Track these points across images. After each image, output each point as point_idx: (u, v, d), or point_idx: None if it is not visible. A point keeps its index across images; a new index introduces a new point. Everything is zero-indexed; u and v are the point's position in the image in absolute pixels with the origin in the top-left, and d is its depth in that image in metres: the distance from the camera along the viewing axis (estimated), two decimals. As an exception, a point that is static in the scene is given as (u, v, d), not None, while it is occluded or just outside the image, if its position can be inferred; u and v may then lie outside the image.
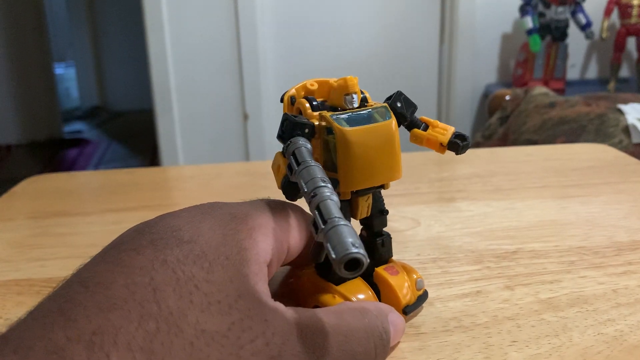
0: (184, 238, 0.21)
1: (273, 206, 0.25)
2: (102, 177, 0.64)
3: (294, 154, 0.24)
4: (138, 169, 0.60)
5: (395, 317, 0.25)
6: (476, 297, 0.30)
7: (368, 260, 0.18)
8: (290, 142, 0.24)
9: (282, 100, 0.27)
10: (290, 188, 0.25)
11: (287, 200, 0.26)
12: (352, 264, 0.18)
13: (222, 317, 0.19)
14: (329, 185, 0.21)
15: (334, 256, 0.18)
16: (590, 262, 0.34)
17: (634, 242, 0.37)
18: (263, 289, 0.21)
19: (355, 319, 0.23)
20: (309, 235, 0.26)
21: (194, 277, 0.20)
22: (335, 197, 0.21)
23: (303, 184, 0.22)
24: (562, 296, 0.30)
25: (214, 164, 0.63)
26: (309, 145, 0.24)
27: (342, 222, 0.19)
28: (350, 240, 0.18)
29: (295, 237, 0.25)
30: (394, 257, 0.30)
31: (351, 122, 0.25)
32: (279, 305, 0.21)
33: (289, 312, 0.21)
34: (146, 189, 0.53)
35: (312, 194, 0.21)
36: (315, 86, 0.27)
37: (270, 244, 0.23)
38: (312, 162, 0.23)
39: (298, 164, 0.23)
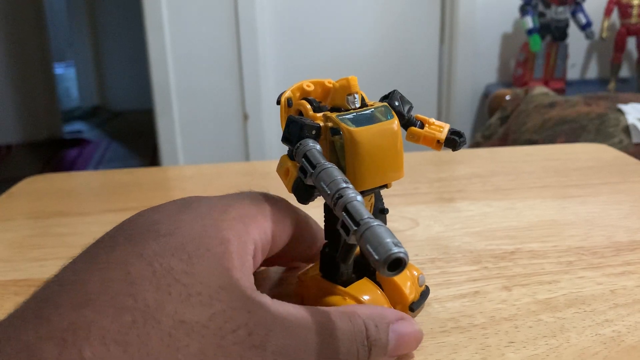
0: (161, 231, 0.21)
1: (255, 197, 0.25)
2: (102, 177, 0.64)
3: (305, 157, 0.23)
4: (138, 169, 0.60)
5: (403, 326, 0.24)
6: (474, 298, 0.30)
7: (408, 258, 0.18)
8: (300, 144, 0.24)
9: (278, 103, 0.27)
10: (303, 191, 0.24)
11: (274, 195, 0.26)
12: (395, 264, 0.18)
13: (202, 308, 0.19)
14: (351, 186, 0.21)
15: (376, 257, 0.18)
16: (588, 262, 0.34)
17: (633, 242, 0.37)
18: (247, 282, 0.21)
19: (342, 321, 0.22)
20: (295, 225, 0.26)
21: (172, 269, 0.20)
22: (360, 197, 0.20)
23: (324, 186, 0.21)
24: (560, 297, 0.30)
25: (214, 164, 0.63)
26: (319, 147, 0.24)
27: (376, 223, 0.19)
28: (390, 240, 0.18)
29: (279, 226, 0.25)
30: None
31: (356, 122, 0.25)
32: (265, 297, 0.21)
33: (275, 304, 0.21)
34: (146, 189, 0.53)
35: (336, 195, 0.21)
36: (312, 87, 0.27)
37: (253, 233, 0.23)
38: (328, 164, 0.22)
39: (313, 166, 0.22)
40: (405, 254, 0.18)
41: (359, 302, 0.26)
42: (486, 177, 0.51)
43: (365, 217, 0.19)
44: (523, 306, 0.29)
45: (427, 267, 0.34)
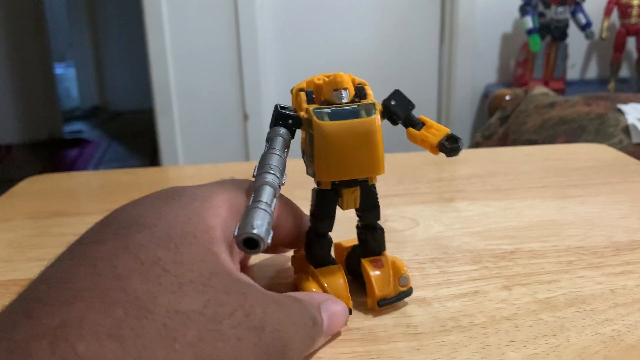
0: (145, 223, 0.21)
1: (238, 184, 0.26)
2: (102, 177, 0.64)
3: (269, 141, 0.26)
4: (138, 169, 0.60)
5: (331, 306, 0.25)
6: (474, 297, 0.30)
7: (267, 243, 0.20)
8: (271, 130, 0.27)
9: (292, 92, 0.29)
10: None
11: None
12: (248, 243, 0.20)
13: (196, 296, 0.19)
14: (274, 173, 0.23)
15: (235, 233, 0.20)
16: (588, 262, 0.34)
17: (633, 242, 0.37)
18: (235, 267, 0.22)
19: (297, 299, 0.24)
20: (278, 210, 0.27)
21: (160, 259, 0.20)
22: (275, 184, 0.23)
23: (256, 167, 0.24)
24: (559, 296, 0.30)
25: (214, 164, 0.63)
26: (286, 136, 0.26)
27: (261, 206, 0.21)
28: (254, 222, 0.20)
29: None
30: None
31: (333, 116, 0.26)
32: (252, 281, 0.22)
33: (261, 287, 0.22)
34: (146, 189, 0.53)
35: (257, 176, 0.24)
36: (322, 81, 0.28)
37: (239, 220, 0.23)
38: (276, 151, 0.25)
39: None
40: (261, 238, 0.20)
41: (319, 284, 0.27)
42: (486, 177, 0.52)
43: (260, 199, 0.22)
44: (523, 305, 0.29)
45: (427, 266, 0.34)
